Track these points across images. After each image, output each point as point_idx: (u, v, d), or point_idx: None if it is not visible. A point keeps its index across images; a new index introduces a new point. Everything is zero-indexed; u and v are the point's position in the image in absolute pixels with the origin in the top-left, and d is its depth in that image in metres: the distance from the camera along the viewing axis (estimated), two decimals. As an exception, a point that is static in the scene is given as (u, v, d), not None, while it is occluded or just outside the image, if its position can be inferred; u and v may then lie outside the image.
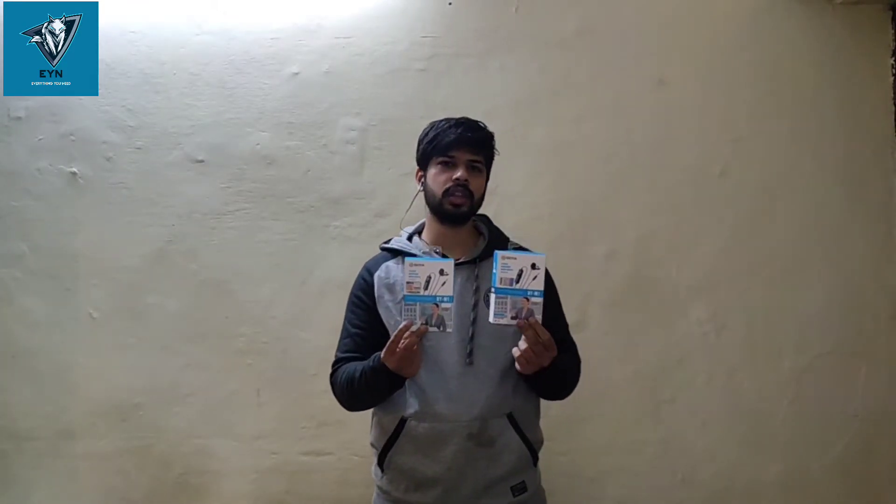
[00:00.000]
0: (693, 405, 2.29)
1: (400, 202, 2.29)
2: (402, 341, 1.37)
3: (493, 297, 1.40)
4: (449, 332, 1.42)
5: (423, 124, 1.62)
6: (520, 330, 1.40)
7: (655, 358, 2.29)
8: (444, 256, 1.57)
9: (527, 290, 1.39)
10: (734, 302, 2.30)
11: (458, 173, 1.53)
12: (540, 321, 1.40)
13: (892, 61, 2.35)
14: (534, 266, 1.39)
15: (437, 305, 1.37)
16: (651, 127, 2.32)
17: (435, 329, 1.38)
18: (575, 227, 2.29)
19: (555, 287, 1.64)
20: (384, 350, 1.41)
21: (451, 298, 1.38)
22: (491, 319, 1.40)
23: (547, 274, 1.60)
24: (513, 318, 1.39)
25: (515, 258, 1.40)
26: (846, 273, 2.32)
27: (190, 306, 2.34)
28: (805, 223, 2.32)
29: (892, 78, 2.34)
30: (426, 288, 1.36)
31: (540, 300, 1.39)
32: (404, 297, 1.37)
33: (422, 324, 1.37)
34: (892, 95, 2.34)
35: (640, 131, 2.32)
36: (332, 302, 2.30)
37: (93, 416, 2.33)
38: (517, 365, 1.45)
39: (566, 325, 1.65)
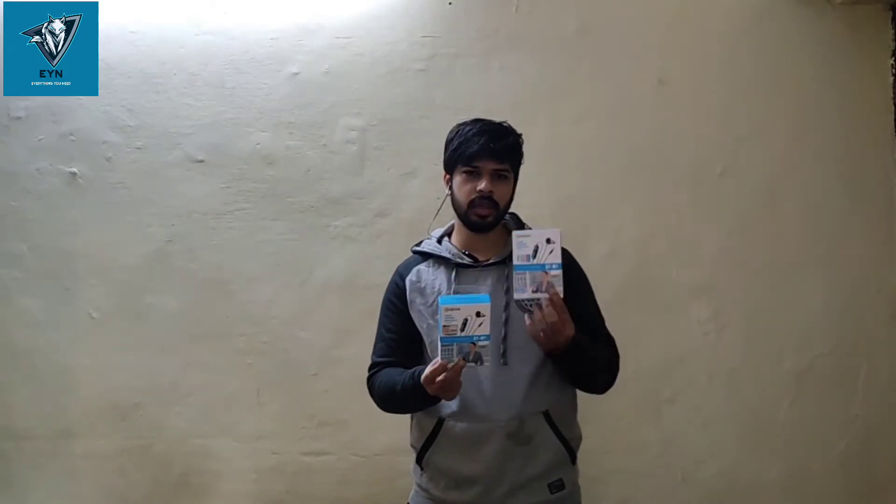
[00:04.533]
0: (693, 405, 2.29)
1: (400, 202, 2.30)
2: (441, 376, 1.38)
3: (513, 274, 1.43)
4: (487, 365, 1.42)
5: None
6: (538, 309, 1.41)
7: (655, 358, 2.29)
8: (475, 260, 1.58)
9: (544, 265, 1.42)
10: (734, 302, 2.30)
11: (482, 185, 1.52)
12: (560, 293, 1.42)
13: (892, 61, 2.35)
14: (549, 241, 1.43)
15: (475, 344, 1.38)
16: (651, 127, 2.32)
17: (472, 364, 1.39)
18: (575, 227, 2.28)
19: (586, 280, 1.64)
20: (423, 376, 1.41)
21: (488, 337, 1.38)
22: (514, 296, 1.43)
23: (577, 266, 1.63)
24: (533, 291, 1.42)
25: (529, 235, 1.45)
26: (846, 273, 2.31)
27: (190, 306, 2.34)
28: (805, 223, 2.32)
29: (892, 78, 2.34)
30: (463, 329, 1.36)
31: (558, 272, 1.42)
32: (440, 339, 1.37)
33: (460, 359, 1.38)
34: (892, 95, 2.34)
35: (640, 131, 2.32)
36: (333, 302, 2.31)
37: (92, 416, 2.33)
38: (535, 340, 1.46)
39: (601, 317, 1.64)
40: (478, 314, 1.36)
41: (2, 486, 2.33)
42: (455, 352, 1.37)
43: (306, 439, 2.31)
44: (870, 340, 2.31)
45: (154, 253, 2.34)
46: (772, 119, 2.33)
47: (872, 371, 2.31)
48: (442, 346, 1.36)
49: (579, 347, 1.46)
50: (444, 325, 1.35)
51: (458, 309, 1.36)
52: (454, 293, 1.52)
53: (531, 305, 1.43)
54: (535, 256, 1.42)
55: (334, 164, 2.35)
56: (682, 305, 2.30)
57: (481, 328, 1.37)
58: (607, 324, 1.65)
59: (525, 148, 1.73)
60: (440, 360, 1.38)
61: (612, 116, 2.33)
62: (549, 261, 1.42)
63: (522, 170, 2.31)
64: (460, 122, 1.60)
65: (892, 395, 2.30)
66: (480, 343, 1.38)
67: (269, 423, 2.31)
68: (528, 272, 1.42)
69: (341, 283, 2.31)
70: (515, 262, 1.43)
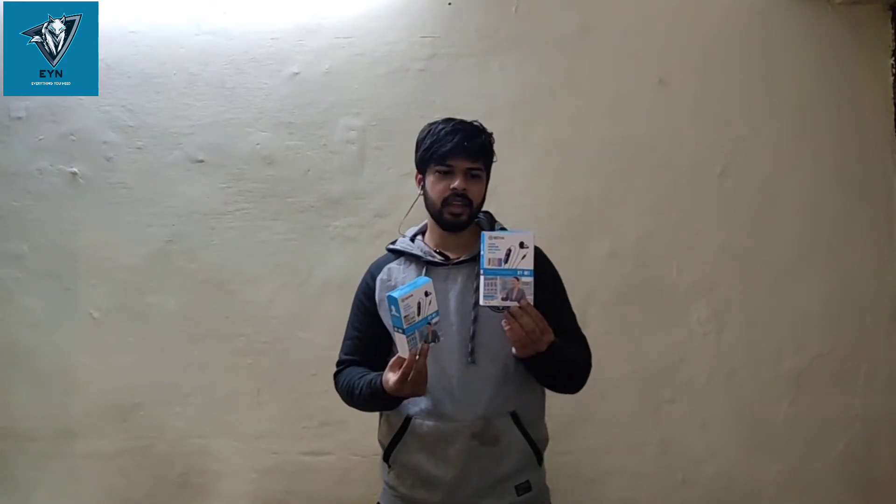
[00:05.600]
0: (693, 405, 2.29)
1: (400, 202, 2.29)
2: (411, 374, 1.38)
3: (482, 279, 1.39)
4: (442, 340, 1.44)
5: (424, 124, 1.62)
6: (512, 317, 1.38)
7: (655, 358, 2.29)
8: (445, 258, 1.58)
9: (516, 270, 1.37)
10: (734, 302, 2.30)
11: (456, 183, 1.52)
12: (531, 301, 1.38)
13: (891, 61, 2.35)
14: (522, 245, 1.38)
15: (430, 323, 1.40)
16: (651, 127, 2.32)
17: (434, 343, 1.41)
18: (575, 227, 2.29)
19: (560, 279, 1.63)
20: (394, 382, 1.40)
21: (437, 313, 1.41)
22: (481, 301, 1.39)
23: (552, 266, 1.61)
24: (503, 298, 1.38)
25: (503, 238, 1.39)
26: (846, 273, 2.32)
27: (190, 306, 2.34)
28: (805, 223, 2.32)
29: (892, 78, 2.34)
30: (419, 313, 1.38)
31: (530, 279, 1.37)
32: (404, 331, 1.36)
33: (423, 344, 1.39)
34: (892, 95, 2.34)
35: (640, 131, 2.32)
36: (332, 302, 2.31)
37: (93, 416, 2.33)
38: (513, 349, 1.44)
39: (573, 317, 1.62)
40: (426, 294, 1.38)
41: (3, 487, 2.34)
42: (418, 338, 1.39)
43: (306, 439, 2.31)
44: (869, 340, 2.31)
45: (154, 253, 2.35)
46: (772, 119, 2.33)
47: (872, 371, 2.31)
48: (408, 337, 1.37)
49: (556, 353, 1.44)
50: (405, 316, 1.35)
51: (411, 296, 1.36)
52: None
53: (501, 308, 1.40)
54: (506, 261, 1.37)
55: (334, 164, 2.35)
56: (682, 305, 2.30)
57: (431, 306, 1.39)
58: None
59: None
60: (407, 354, 1.38)
61: (613, 116, 2.33)
62: (521, 266, 1.37)
63: (522, 169, 2.32)
64: (431, 121, 1.59)
65: (891, 395, 2.31)
66: (434, 321, 1.40)
67: (268, 422, 2.32)
68: (498, 277, 1.37)
69: (341, 283, 2.31)
70: (486, 265, 1.38)
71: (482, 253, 1.39)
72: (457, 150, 1.51)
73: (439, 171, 1.53)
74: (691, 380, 2.30)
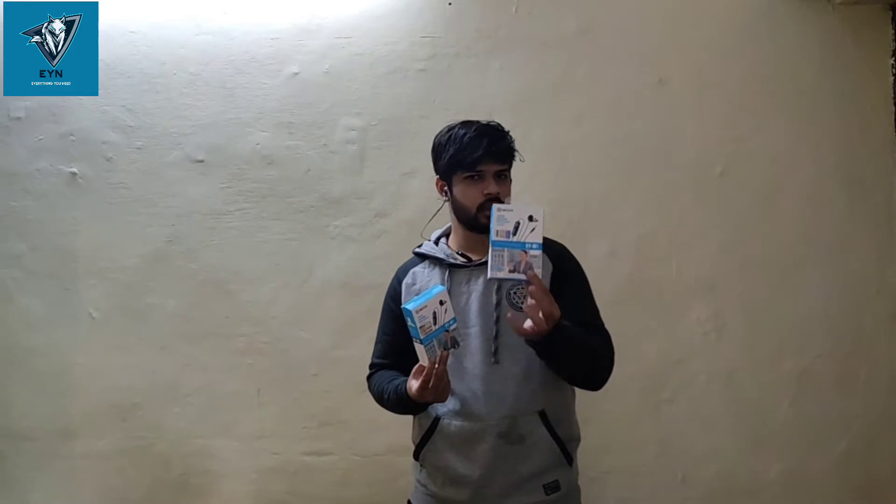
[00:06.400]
0: (693, 405, 2.29)
1: (400, 202, 2.30)
2: (432, 381, 1.39)
3: (490, 250, 1.36)
4: (465, 342, 1.46)
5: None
6: (526, 283, 1.35)
7: (655, 358, 2.29)
8: (468, 260, 1.58)
9: (524, 243, 1.35)
10: (734, 302, 2.30)
11: (490, 188, 1.52)
12: (539, 275, 1.35)
13: (892, 61, 2.35)
14: (531, 218, 1.36)
15: (448, 331, 1.41)
16: (651, 127, 2.32)
17: (453, 349, 1.42)
18: (575, 227, 2.29)
19: (582, 274, 1.62)
20: (416, 389, 1.42)
21: (454, 319, 1.42)
22: (489, 274, 1.37)
23: (573, 261, 1.61)
24: (510, 270, 1.35)
25: (512, 210, 1.37)
26: (846, 273, 2.31)
27: (190, 306, 2.34)
28: (805, 223, 2.32)
29: (892, 78, 2.34)
30: (435, 322, 1.39)
31: (538, 252, 1.35)
32: (422, 340, 1.37)
33: (441, 351, 1.40)
34: (892, 95, 2.34)
35: (640, 131, 2.32)
36: (333, 302, 2.31)
37: (92, 416, 2.33)
38: (530, 322, 1.38)
39: (595, 312, 1.61)
40: (441, 303, 1.40)
41: (1, 487, 2.33)
42: (436, 346, 1.40)
43: (307, 439, 2.31)
44: (870, 340, 2.31)
45: (154, 253, 2.35)
46: (772, 119, 2.33)
47: (872, 371, 2.31)
48: (426, 346, 1.38)
49: (565, 332, 1.40)
50: (421, 327, 1.37)
51: (426, 306, 1.38)
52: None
53: (521, 301, 1.38)
54: (514, 233, 1.36)
55: (334, 164, 2.35)
56: (682, 305, 2.30)
57: (447, 314, 1.40)
58: (607, 324, 1.63)
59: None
60: (426, 362, 1.39)
61: (613, 116, 2.33)
62: (529, 239, 1.35)
63: (522, 170, 2.31)
64: (448, 125, 1.59)
65: (892, 395, 2.30)
66: (451, 328, 1.41)
67: (269, 423, 2.32)
68: (506, 249, 1.35)
69: (341, 283, 2.31)
70: (494, 237, 1.35)
71: (491, 225, 1.37)
72: (486, 156, 1.52)
73: (469, 177, 1.53)
74: (691, 380, 2.30)
